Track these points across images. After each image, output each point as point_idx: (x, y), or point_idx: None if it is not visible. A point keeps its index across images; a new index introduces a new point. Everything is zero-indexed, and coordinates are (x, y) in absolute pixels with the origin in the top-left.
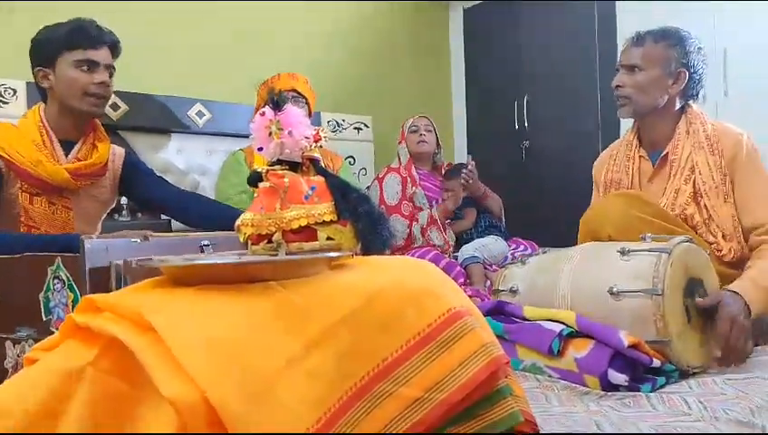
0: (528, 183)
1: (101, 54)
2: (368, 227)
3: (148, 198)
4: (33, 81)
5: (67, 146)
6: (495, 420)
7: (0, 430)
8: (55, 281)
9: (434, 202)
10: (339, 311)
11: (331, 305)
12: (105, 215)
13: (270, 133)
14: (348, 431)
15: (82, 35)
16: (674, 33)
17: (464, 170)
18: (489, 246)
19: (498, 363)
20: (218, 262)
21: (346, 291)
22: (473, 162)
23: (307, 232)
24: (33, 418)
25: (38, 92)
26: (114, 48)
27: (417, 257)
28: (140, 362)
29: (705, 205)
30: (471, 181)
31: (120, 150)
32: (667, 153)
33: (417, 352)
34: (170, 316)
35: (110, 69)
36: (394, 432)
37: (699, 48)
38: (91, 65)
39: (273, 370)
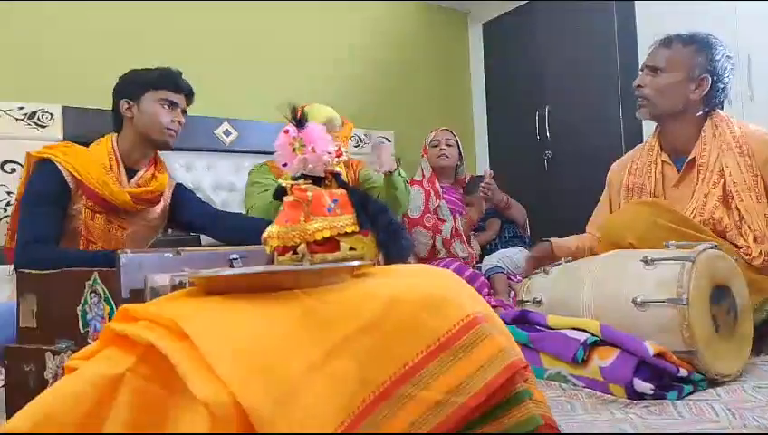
0: (551, 193)
1: (181, 99)
2: (387, 236)
3: (191, 222)
4: (69, 105)
5: (131, 173)
6: (513, 423)
7: None
8: (92, 295)
9: (457, 214)
10: (360, 318)
11: (353, 313)
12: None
13: (293, 150)
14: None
15: (169, 80)
16: (703, 39)
17: (481, 183)
18: (513, 256)
19: (515, 368)
20: (246, 271)
21: (366, 298)
22: (491, 172)
23: (330, 243)
24: (81, 423)
25: (113, 122)
26: (190, 96)
27: (441, 268)
28: (175, 367)
29: (736, 206)
30: (490, 193)
31: (172, 181)
32: (694, 158)
33: (437, 356)
34: (203, 324)
35: (185, 113)
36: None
37: (728, 57)
38: (172, 105)
39: (296, 375)
